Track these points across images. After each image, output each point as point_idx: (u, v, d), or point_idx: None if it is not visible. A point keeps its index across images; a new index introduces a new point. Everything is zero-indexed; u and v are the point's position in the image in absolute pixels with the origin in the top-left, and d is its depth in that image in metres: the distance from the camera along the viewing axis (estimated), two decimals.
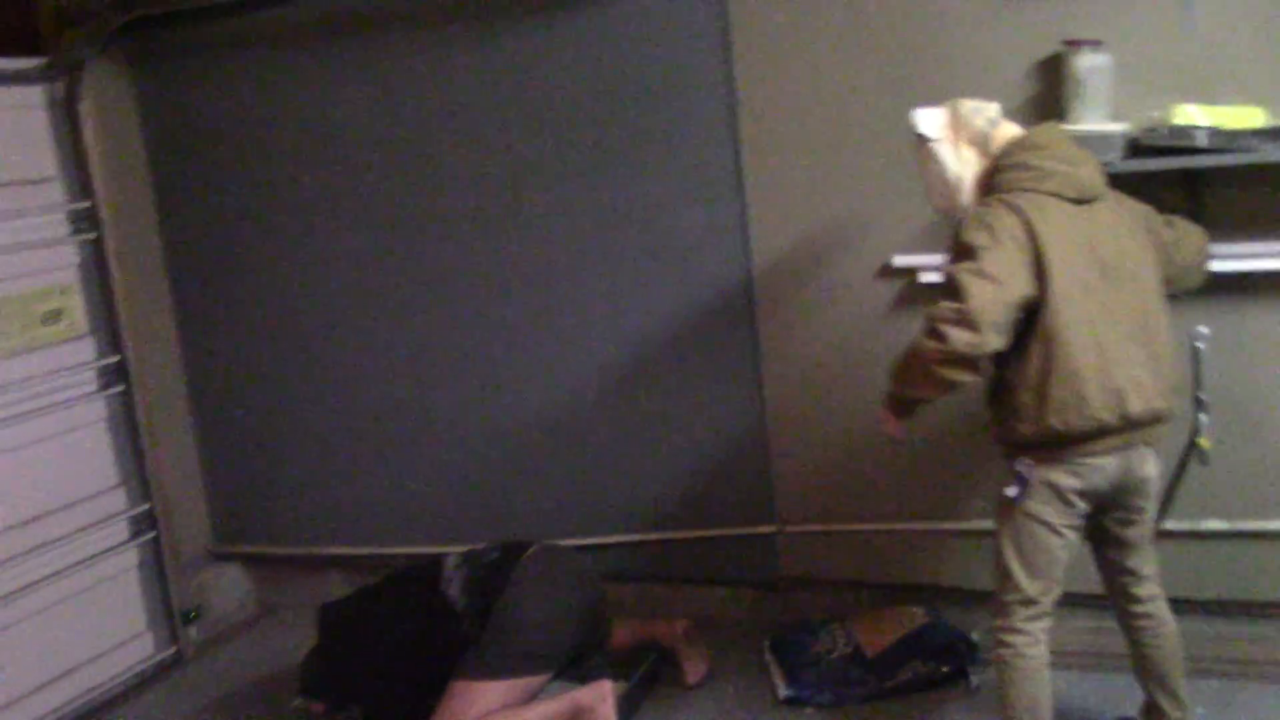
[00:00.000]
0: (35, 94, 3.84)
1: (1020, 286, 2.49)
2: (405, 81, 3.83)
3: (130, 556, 4.09)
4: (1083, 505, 2.66)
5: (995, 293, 2.46)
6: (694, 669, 3.47)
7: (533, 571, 3.32)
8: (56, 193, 3.89)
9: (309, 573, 4.42)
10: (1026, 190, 2.58)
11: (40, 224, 3.84)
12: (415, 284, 3.98)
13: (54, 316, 3.85)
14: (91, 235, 3.95)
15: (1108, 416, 2.55)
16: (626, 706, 3.33)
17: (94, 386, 3.98)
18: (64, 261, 3.90)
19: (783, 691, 3.37)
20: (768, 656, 3.56)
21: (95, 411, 3.99)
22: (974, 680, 3.30)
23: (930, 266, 3.31)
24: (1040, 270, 2.51)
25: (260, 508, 4.39)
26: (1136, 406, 2.57)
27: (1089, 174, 2.64)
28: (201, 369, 4.34)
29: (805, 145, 3.46)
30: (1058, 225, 2.54)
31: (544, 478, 3.93)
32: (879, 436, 3.49)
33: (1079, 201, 2.60)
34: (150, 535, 4.13)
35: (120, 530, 4.06)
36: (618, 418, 3.81)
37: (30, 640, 3.72)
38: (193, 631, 4.25)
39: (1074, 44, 3.04)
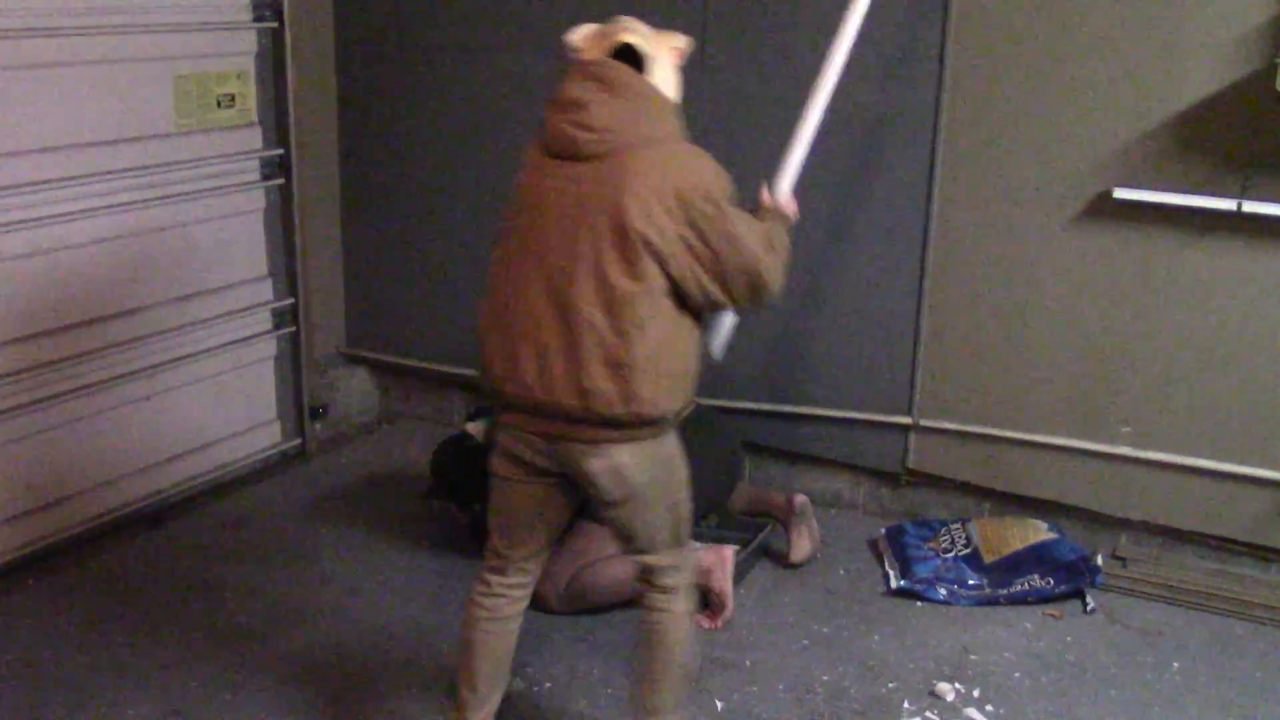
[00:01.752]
0: None
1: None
2: None
3: (269, 347, 4.19)
4: (540, 466, 2.38)
5: None
6: (799, 548, 3.47)
7: (687, 434, 3.32)
8: None
9: (433, 388, 4.50)
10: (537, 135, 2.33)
11: (224, 6, 3.83)
12: None
13: (229, 101, 3.87)
14: (272, 24, 3.94)
15: (506, 387, 2.30)
16: (736, 572, 3.36)
17: (256, 176, 4.02)
18: (243, 48, 3.90)
19: (895, 581, 3.38)
20: (882, 545, 3.57)
21: (254, 201, 4.04)
22: (1090, 602, 3.28)
23: (1161, 204, 3.19)
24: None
25: (395, 318, 4.45)
26: (521, 389, 2.27)
27: (587, 134, 2.22)
28: (357, 174, 4.36)
29: (1021, 39, 3.31)
30: (533, 175, 2.33)
31: None
32: (1034, 345, 3.47)
33: (567, 158, 2.26)
34: (290, 329, 4.21)
35: (263, 320, 4.14)
36: None
37: (168, 413, 3.85)
38: (318, 427, 4.37)
39: None
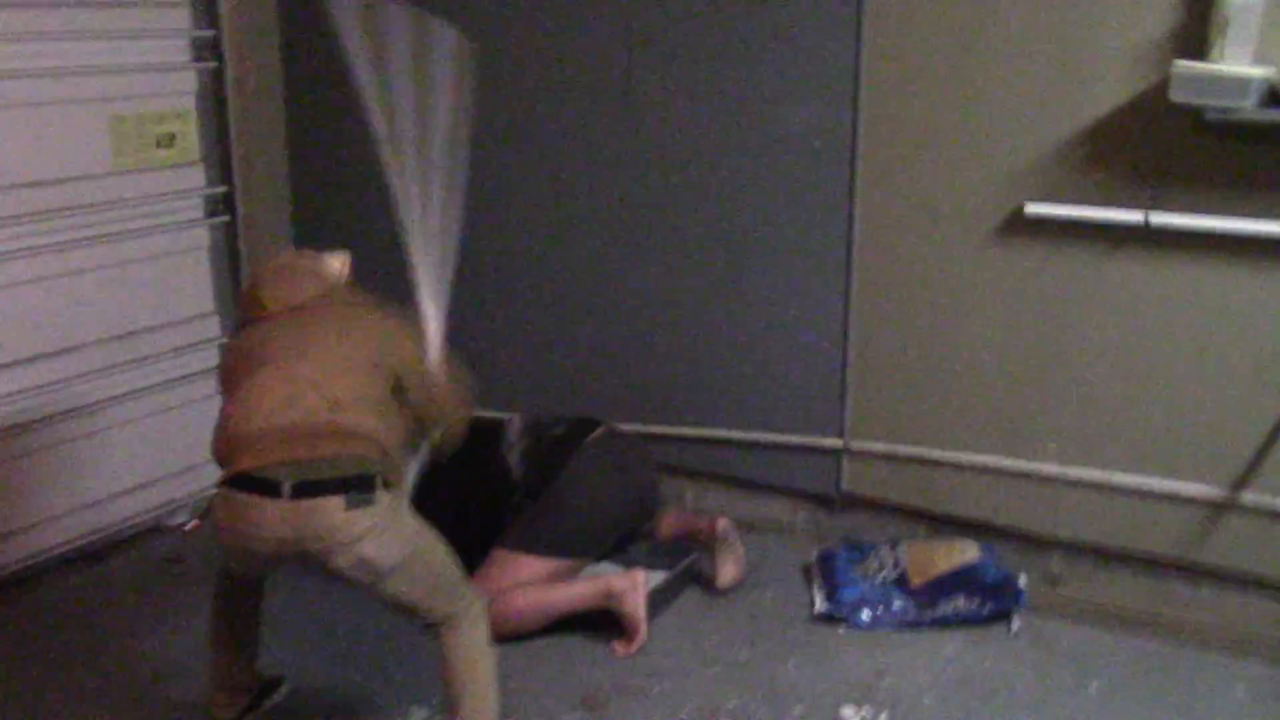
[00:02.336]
0: None
1: None
2: None
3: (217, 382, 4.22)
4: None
5: None
6: (725, 573, 3.44)
7: (595, 457, 3.33)
8: (183, 18, 3.93)
9: None
10: None
11: (163, 47, 3.89)
12: (520, 152, 3.95)
13: (168, 140, 3.92)
14: (213, 64, 4.00)
15: None
16: (661, 599, 3.35)
17: (199, 214, 4.07)
18: (183, 87, 3.95)
19: (819, 606, 3.35)
20: (814, 570, 3.54)
21: (198, 239, 4.08)
22: (1015, 624, 3.22)
23: (1070, 219, 3.16)
24: None
25: None
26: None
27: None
28: (309, 209, 4.40)
29: (932, 56, 3.30)
30: None
31: (612, 357, 3.89)
32: (959, 363, 3.44)
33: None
34: None
35: (211, 356, 4.18)
36: (697, 306, 3.76)
37: (111, 450, 3.87)
38: None
39: None
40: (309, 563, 2.48)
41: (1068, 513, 3.40)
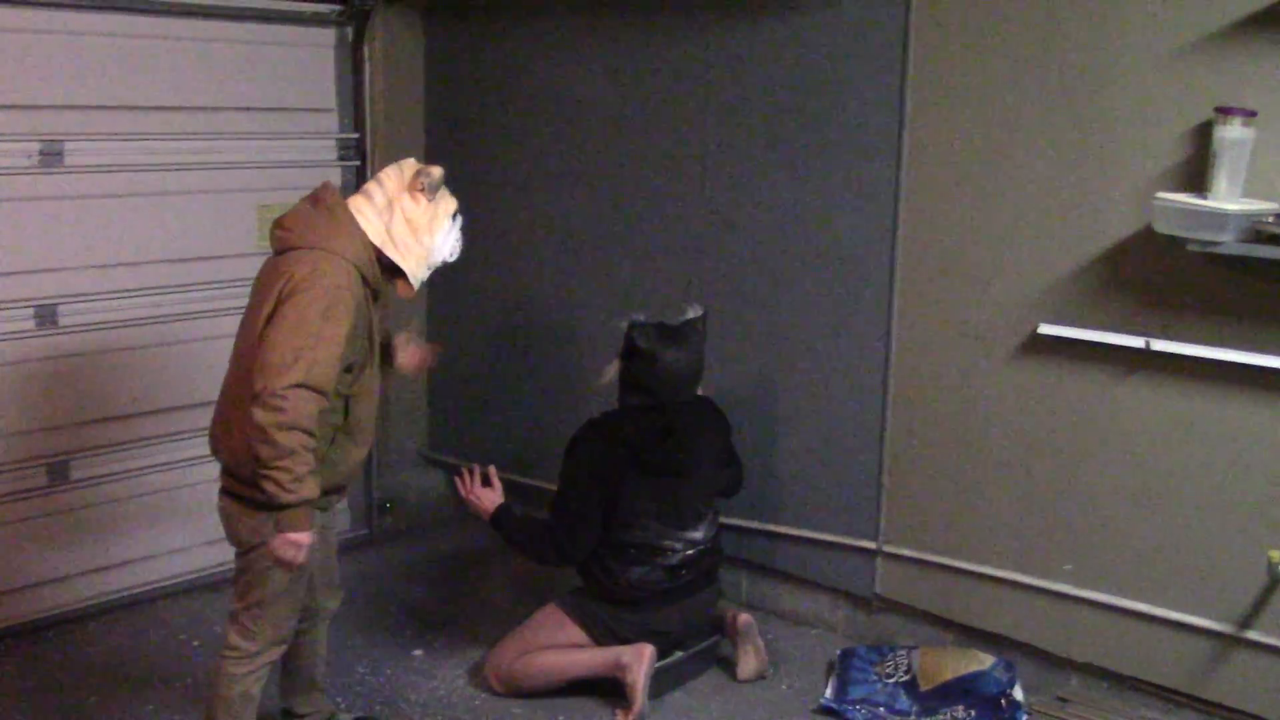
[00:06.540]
0: (328, 35, 4.46)
1: None
2: (631, 64, 4.12)
3: None
4: None
5: None
6: (745, 665, 3.59)
7: (685, 610, 3.53)
8: (330, 122, 4.51)
9: None
10: None
11: (314, 147, 4.47)
12: (613, 245, 4.26)
13: None
14: (355, 163, 4.54)
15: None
16: (675, 676, 3.52)
17: None
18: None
19: (823, 699, 3.45)
20: (835, 665, 3.63)
21: None
22: None
23: (1082, 340, 3.25)
24: None
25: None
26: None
27: (279, 233, 2.78)
28: (445, 291, 4.84)
29: (963, 183, 3.46)
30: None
31: None
32: (983, 477, 3.50)
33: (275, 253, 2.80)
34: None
35: None
36: (752, 403, 3.96)
37: None
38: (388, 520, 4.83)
39: (1226, 111, 2.87)
40: None
41: (1083, 635, 3.40)
